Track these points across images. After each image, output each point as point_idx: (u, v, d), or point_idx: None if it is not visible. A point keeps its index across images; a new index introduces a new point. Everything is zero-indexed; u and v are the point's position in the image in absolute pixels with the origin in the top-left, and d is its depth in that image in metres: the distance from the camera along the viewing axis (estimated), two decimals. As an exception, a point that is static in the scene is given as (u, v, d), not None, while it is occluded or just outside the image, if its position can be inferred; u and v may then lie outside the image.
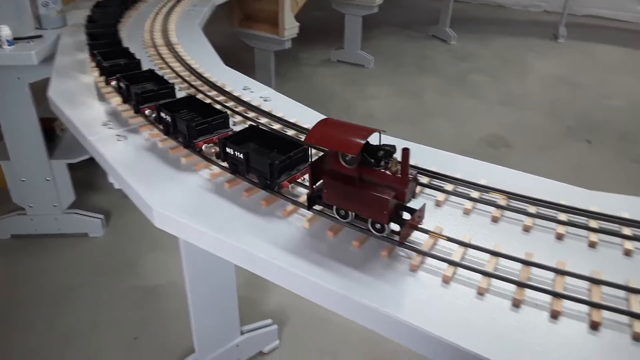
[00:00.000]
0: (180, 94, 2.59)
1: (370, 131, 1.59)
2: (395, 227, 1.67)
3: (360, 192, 1.61)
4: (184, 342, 3.35)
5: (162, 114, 2.32)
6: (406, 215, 1.66)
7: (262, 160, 1.91)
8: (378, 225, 1.67)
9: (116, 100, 2.66)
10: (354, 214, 1.71)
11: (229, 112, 2.48)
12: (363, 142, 1.55)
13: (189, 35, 3.99)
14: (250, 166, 1.96)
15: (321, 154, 1.93)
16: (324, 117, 2.39)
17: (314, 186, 1.73)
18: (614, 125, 6.74)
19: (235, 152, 1.97)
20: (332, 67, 8.91)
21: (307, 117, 2.49)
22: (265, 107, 2.60)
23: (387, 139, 1.77)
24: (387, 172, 1.60)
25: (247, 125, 2.23)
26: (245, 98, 2.67)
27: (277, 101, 2.72)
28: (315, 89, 7.91)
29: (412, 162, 2.12)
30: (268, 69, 7.04)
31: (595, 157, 6.03)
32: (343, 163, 1.63)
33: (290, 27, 6.60)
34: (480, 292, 1.45)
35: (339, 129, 1.62)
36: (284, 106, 2.63)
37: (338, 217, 1.74)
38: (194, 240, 1.88)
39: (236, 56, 6.89)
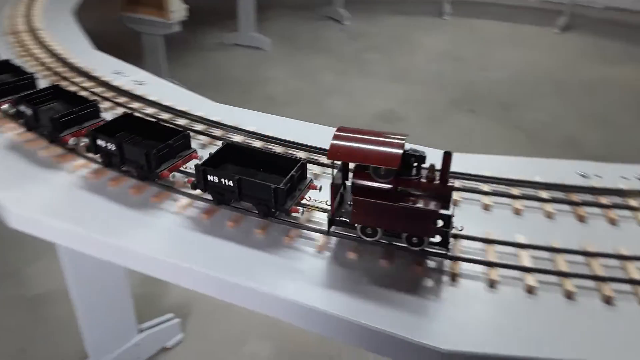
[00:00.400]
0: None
1: (400, 137, 1.51)
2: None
3: (399, 207, 1.49)
4: (76, 348, 3.16)
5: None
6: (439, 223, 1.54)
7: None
8: (416, 240, 1.56)
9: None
10: (382, 230, 1.59)
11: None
12: (401, 152, 1.47)
13: (57, 20, 3.69)
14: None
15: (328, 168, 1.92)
16: (211, 102, 2.31)
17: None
18: (496, 95, 7.25)
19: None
20: (227, 50, 8.71)
21: (186, 100, 2.41)
22: (139, 91, 2.47)
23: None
24: (424, 180, 1.52)
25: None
26: (116, 83, 2.52)
27: (153, 85, 2.59)
28: (211, 74, 7.70)
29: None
30: (157, 55, 6.72)
31: (480, 125, 6.45)
32: (375, 177, 1.52)
33: (177, 9, 6.33)
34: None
35: (363, 139, 1.53)
36: (159, 90, 2.51)
37: (362, 237, 1.61)
38: (67, 242, 1.76)
39: (124, 44, 6.51)
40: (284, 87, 7.39)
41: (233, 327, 3.48)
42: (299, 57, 8.51)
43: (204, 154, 1.90)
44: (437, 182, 1.51)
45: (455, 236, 1.61)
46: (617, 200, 1.84)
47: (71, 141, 2.04)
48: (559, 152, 5.79)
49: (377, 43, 9.24)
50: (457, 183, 1.87)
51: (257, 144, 2.20)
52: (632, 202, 1.82)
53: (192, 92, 2.51)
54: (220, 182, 1.74)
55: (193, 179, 1.84)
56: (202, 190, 1.80)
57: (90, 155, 1.98)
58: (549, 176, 1.94)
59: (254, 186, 1.70)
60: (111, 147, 1.88)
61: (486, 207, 1.80)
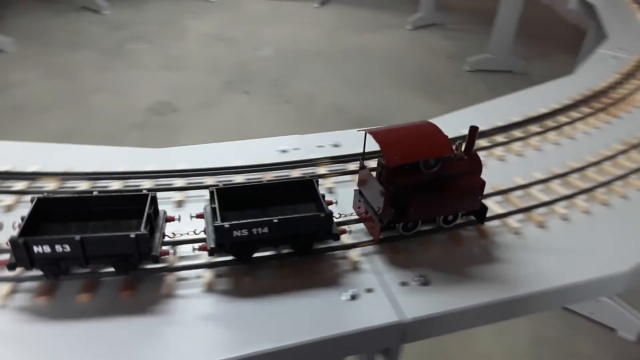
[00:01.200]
0: None
1: (432, 124, 1.50)
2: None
3: (449, 191, 1.50)
4: None
5: None
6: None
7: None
8: (451, 217, 1.59)
9: None
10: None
11: None
12: (448, 138, 1.46)
13: None
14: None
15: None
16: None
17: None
18: (266, 73, 7.42)
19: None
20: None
21: None
22: None
23: None
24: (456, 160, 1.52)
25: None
26: None
27: None
28: None
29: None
30: None
31: (255, 105, 6.55)
32: (424, 170, 1.47)
33: None
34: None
35: (404, 136, 1.47)
36: None
37: (402, 232, 1.56)
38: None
39: None
40: (36, 92, 6.49)
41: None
42: (52, 55, 7.55)
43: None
44: (465, 157, 1.53)
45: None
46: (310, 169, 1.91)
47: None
48: (327, 120, 6.19)
49: (143, 32, 8.69)
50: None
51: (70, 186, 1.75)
52: (322, 170, 1.91)
53: None
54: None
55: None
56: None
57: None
58: (250, 158, 1.95)
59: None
60: (66, 247, 1.35)
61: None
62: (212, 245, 1.38)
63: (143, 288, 1.39)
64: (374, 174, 1.57)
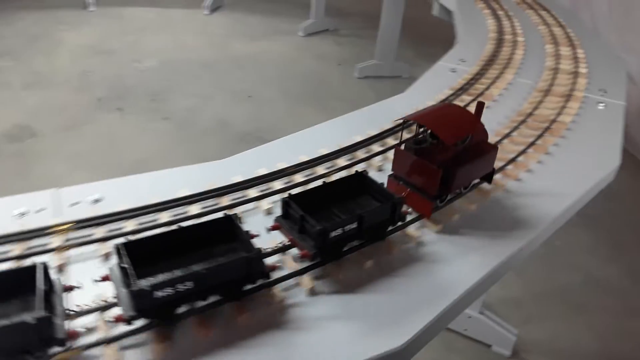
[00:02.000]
0: None
1: (455, 105, 1.72)
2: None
3: (478, 158, 1.64)
4: None
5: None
6: None
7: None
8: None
9: None
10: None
11: None
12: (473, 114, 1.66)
13: None
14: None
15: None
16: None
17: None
18: (146, 87, 6.93)
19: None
20: None
21: None
22: None
23: None
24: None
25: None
26: None
27: None
28: None
29: None
30: None
31: (128, 124, 6.05)
32: (460, 144, 1.59)
33: None
34: None
35: (445, 117, 1.60)
36: None
37: (439, 204, 1.67)
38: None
39: None
40: None
41: None
42: None
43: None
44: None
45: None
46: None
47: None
48: (208, 136, 5.84)
49: (9, 46, 7.86)
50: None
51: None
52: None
53: None
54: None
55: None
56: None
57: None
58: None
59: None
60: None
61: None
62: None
63: (253, 307, 1.31)
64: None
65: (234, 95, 6.89)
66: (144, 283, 1.16)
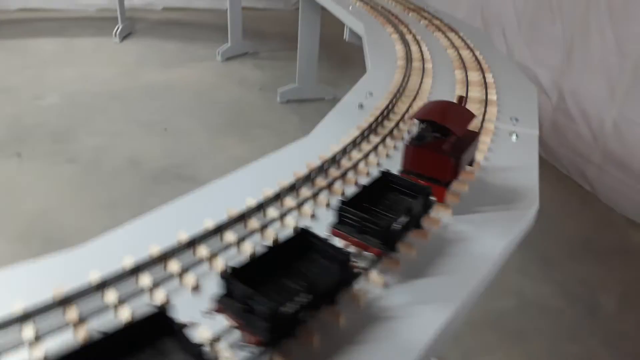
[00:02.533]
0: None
1: (448, 101, 1.94)
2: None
3: (471, 143, 1.84)
4: None
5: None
6: None
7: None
8: None
9: None
10: None
11: None
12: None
13: None
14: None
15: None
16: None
17: None
18: (48, 126, 6.36)
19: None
20: None
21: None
22: None
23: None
24: None
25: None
26: None
27: None
28: None
29: None
30: None
31: (27, 170, 5.48)
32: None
33: None
34: None
35: (447, 112, 1.81)
36: None
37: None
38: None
39: None
40: None
41: None
42: None
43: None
44: None
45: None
46: None
47: None
48: (118, 177, 5.38)
49: None
50: None
51: None
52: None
53: None
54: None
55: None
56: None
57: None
58: None
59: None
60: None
61: None
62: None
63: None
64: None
65: (147, 129, 6.45)
66: (272, 303, 1.13)
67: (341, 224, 1.46)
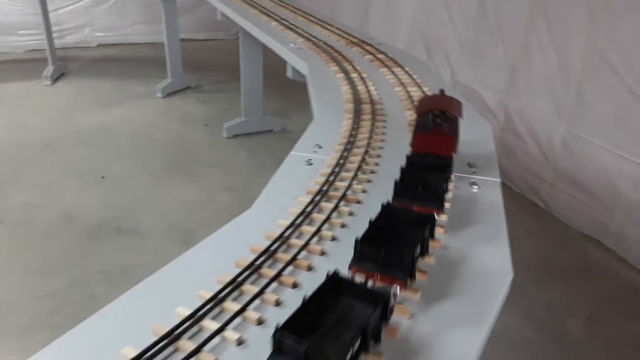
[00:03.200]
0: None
1: (435, 95, 2.41)
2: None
3: (456, 124, 2.18)
4: None
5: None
6: None
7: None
8: None
9: None
10: None
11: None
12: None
13: None
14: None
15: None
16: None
17: None
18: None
19: None
20: None
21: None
22: None
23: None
24: None
25: None
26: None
27: None
28: None
29: None
30: None
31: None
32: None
33: None
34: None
35: (441, 101, 2.25)
36: None
37: None
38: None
39: None
40: None
41: None
42: None
43: None
44: None
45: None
46: None
47: None
48: (50, 237, 4.89)
49: None
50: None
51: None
52: None
53: None
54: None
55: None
56: None
57: None
58: None
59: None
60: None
61: None
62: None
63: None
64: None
65: (82, 178, 5.98)
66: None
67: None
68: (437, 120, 2.13)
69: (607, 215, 4.89)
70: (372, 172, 2.26)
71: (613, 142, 4.72)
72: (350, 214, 1.94)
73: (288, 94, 8.72)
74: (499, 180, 2.25)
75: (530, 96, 5.56)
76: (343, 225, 1.87)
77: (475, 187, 2.17)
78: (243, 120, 7.30)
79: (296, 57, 3.91)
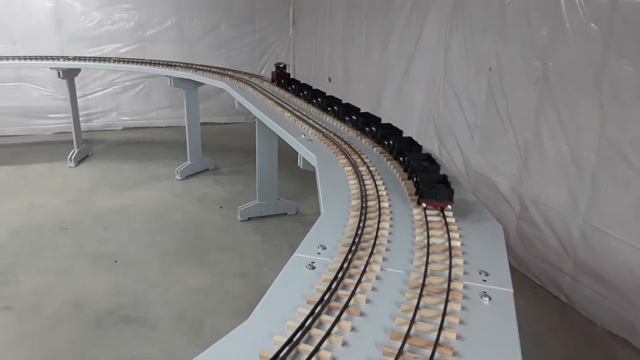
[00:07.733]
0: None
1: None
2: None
3: None
4: None
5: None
6: None
7: None
8: None
9: None
10: None
11: None
12: None
13: None
14: None
15: None
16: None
17: None
18: (-15, 267, 5.82)
19: None
20: None
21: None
22: None
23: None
24: None
25: None
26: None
27: None
28: None
29: None
30: None
31: (-47, 323, 4.86)
32: None
33: None
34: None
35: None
36: None
37: None
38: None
39: None
40: None
41: None
42: None
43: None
44: None
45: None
46: None
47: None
48: (58, 325, 4.82)
49: None
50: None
51: None
52: None
53: None
54: None
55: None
56: None
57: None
58: None
59: None
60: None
61: None
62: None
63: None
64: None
65: (95, 263, 5.99)
66: None
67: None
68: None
69: (634, 313, 4.63)
70: (378, 278, 2.20)
71: (633, 235, 4.57)
72: (353, 329, 1.86)
73: (303, 176, 8.81)
74: (511, 290, 2.15)
75: (545, 185, 5.51)
76: (344, 343, 1.78)
77: (486, 299, 2.07)
78: (257, 203, 7.36)
79: (306, 149, 3.98)
